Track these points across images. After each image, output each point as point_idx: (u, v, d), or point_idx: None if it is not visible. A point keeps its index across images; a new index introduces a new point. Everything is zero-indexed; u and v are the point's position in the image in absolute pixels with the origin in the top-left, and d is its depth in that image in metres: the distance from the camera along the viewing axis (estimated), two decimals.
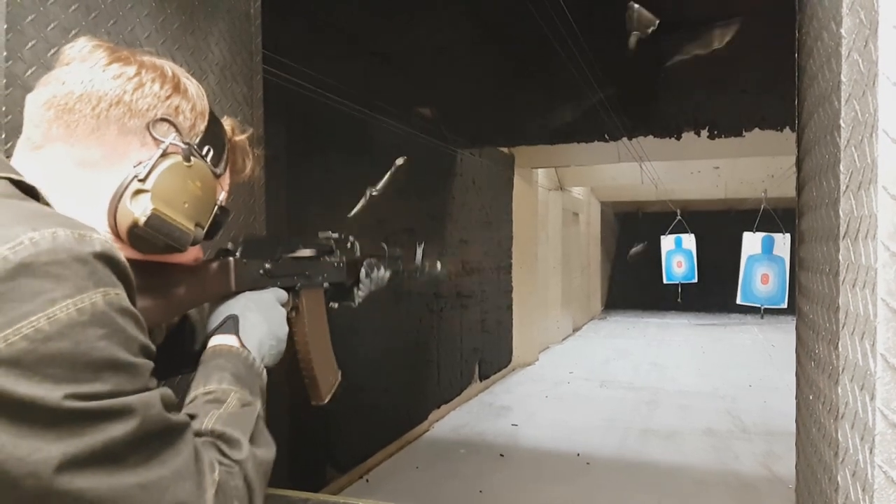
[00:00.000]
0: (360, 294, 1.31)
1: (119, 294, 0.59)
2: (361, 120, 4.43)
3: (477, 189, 7.02)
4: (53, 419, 0.52)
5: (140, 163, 0.76)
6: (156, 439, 0.60)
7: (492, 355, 7.47)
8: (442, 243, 6.05)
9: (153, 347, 0.64)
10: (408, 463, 4.91)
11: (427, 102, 5.44)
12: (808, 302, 1.32)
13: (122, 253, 0.75)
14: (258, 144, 1.83)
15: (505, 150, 7.93)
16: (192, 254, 0.89)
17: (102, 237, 0.60)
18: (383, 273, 1.38)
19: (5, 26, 1.14)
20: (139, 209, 0.75)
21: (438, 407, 5.99)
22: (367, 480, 4.53)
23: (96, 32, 1.29)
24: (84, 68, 0.76)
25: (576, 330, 11.85)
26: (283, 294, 1.02)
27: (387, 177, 1.60)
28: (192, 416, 0.74)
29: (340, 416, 4.23)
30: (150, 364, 0.62)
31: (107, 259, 0.59)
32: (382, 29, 3.81)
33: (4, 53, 1.13)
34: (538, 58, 4.14)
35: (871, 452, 0.76)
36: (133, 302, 0.62)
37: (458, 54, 4.23)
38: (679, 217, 8.74)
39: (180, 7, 1.53)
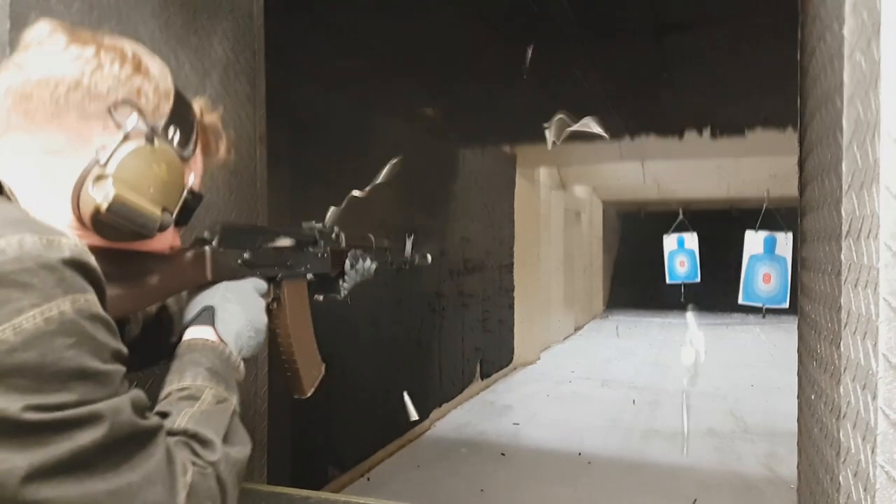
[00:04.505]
0: (345, 286, 1.28)
1: (89, 300, 0.58)
2: (364, 119, 4.44)
3: (479, 188, 7.02)
4: (16, 431, 0.51)
5: (102, 147, 0.74)
6: (126, 445, 0.59)
7: (493, 354, 7.47)
8: (444, 242, 6.05)
9: (125, 351, 0.62)
10: (409, 462, 4.92)
11: (429, 101, 5.44)
12: (810, 302, 1.32)
13: (92, 240, 0.74)
14: (261, 143, 1.84)
15: (507, 149, 7.94)
16: (167, 242, 0.86)
17: (72, 241, 0.58)
18: (369, 264, 1.34)
19: (8, 24, 1.14)
20: (101, 195, 0.72)
21: (440, 406, 5.99)
22: (369, 479, 4.54)
23: (99, 31, 1.29)
24: (41, 52, 0.73)
25: (577, 329, 11.85)
26: (263, 284, 1.00)
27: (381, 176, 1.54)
28: (165, 414, 0.73)
29: (342, 414, 4.23)
30: (121, 369, 0.61)
31: (76, 264, 0.57)
32: (386, 28, 3.80)
33: (8, 51, 1.14)
34: (541, 57, 4.14)
35: (872, 452, 0.76)
36: (105, 306, 0.61)
37: (460, 53, 4.23)
38: (681, 216, 8.73)
39: (184, 6, 1.53)
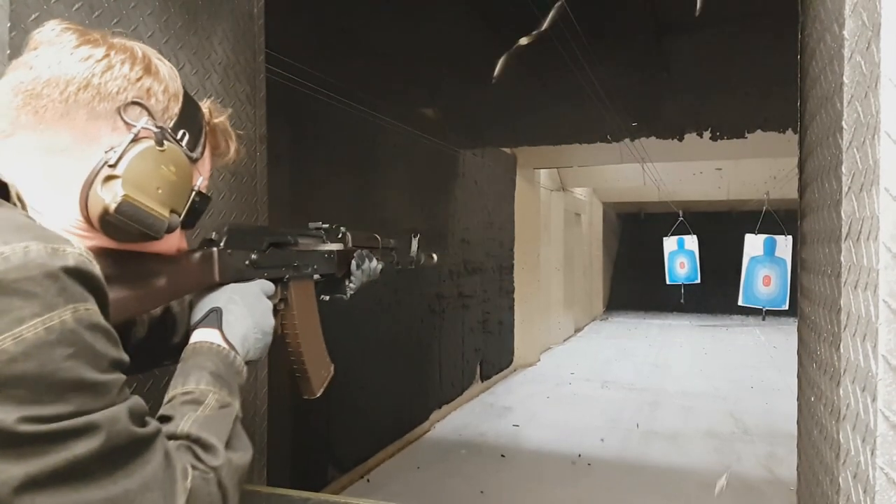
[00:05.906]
0: (351, 286, 1.27)
1: (90, 309, 0.57)
2: (364, 120, 4.43)
3: (479, 189, 7.03)
4: (11, 442, 0.51)
5: (111, 148, 0.73)
6: (122, 453, 0.58)
7: (493, 355, 7.47)
8: (444, 244, 6.05)
9: (126, 359, 0.62)
10: (409, 463, 4.92)
11: (430, 102, 5.45)
12: (809, 303, 1.32)
13: (99, 241, 0.74)
14: (261, 143, 1.84)
15: (507, 150, 7.94)
16: (174, 243, 0.86)
17: (77, 250, 0.58)
18: (375, 265, 1.33)
19: (9, 24, 1.14)
20: (109, 196, 0.72)
21: (440, 407, 5.99)
22: (368, 480, 4.54)
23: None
24: (52, 52, 0.73)
25: (577, 330, 11.84)
26: (270, 286, 1.00)
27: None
28: (168, 418, 0.73)
29: (342, 415, 4.23)
30: (120, 378, 0.60)
31: (79, 273, 0.57)
32: (386, 28, 3.81)
33: (8, 52, 1.14)
34: (541, 58, 4.14)
35: (872, 454, 0.75)
36: (107, 314, 0.60)
37: (461, 54, 4.24)
38: (681, 218, 8.72)
39: (184, 6, 1.53)
